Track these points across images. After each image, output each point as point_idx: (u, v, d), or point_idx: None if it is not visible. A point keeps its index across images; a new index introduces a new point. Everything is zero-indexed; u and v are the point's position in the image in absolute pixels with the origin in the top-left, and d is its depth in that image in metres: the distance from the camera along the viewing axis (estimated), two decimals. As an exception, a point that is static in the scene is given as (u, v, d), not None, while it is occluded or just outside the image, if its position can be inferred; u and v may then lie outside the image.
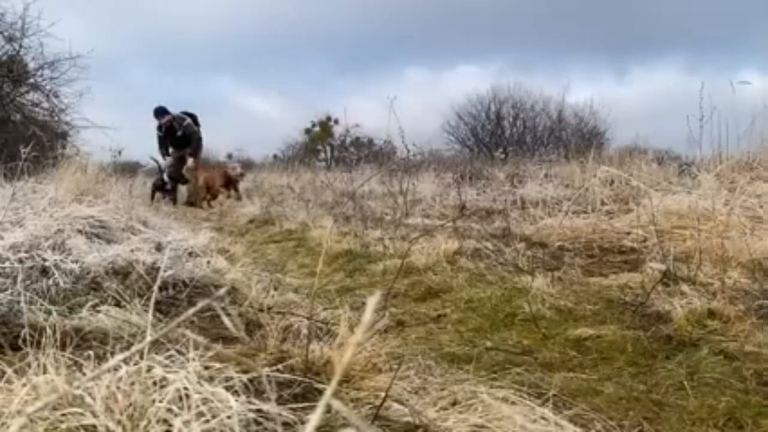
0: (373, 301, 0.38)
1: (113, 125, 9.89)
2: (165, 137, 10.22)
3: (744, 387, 1.67)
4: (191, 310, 0.64)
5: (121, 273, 2.44)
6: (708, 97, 4.06)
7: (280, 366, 1.46)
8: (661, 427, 1.47)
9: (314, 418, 0.38)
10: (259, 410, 1.08)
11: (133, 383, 1.09)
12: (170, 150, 10.32)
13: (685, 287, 2.44)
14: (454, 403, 1.31)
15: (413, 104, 32.58)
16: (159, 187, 10.20)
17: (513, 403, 1.27)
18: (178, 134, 10.11)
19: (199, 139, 10.39)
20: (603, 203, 4.71)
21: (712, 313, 2.21)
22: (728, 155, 4.72)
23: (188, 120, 10.19)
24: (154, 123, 10.25)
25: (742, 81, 4.32)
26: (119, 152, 8.65)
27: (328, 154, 27.45)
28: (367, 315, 0.36)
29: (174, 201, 10.03)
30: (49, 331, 1.33)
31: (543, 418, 1.20)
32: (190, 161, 10.09)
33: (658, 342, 2.04)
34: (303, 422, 1.13)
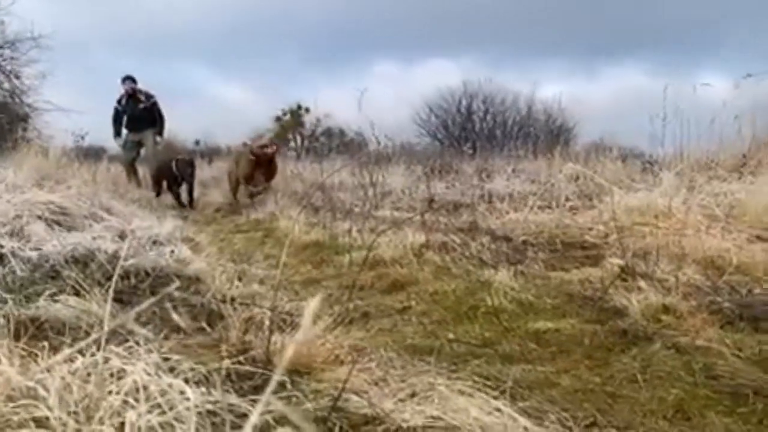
0: (313, 305, 0.38)
1: (77, 109, 9.46)
2: (123, 111, 9.13)
3: (693, 380, 1.73)
4: (147, 303, 0.64)
5: (82, 261, 2.39)
6: (671, 97, 4.17)
7: (241, 357, 1.46)
8: (613, 418, 1.52)
9: (256, 412, 0.39)
10: (217, 402, 1.08)
11: (89, 375, 1.08)
12: (123, 131, 9.24)
13: (642, 283, 2.51)
14: (412, 395, 1.33)
15: (385, 95, 32.43)
16: (174, 188, 7.92)
17: (470, 395, 1.29)
18: (141, 107, 9.06)
19: (164, 121, 9.71)
20: (567, 199, 4.79)
21: (666, 309, 2.28)
22: (688, 154, 4.86)
23: (156, 99, 9.56)
24: (117, 94, 9.38)
25: (704, 83, 4.45)
26: (83, 136, 8.29)
27: (299, 144, 27.23)
28: (307, 319, 0.37)
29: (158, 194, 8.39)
30: (2, 321, 1.30)
31: (498, 410, 1.23)
32: (159, 138, 9.53)
33: (615, 336, 2.11)
34: (261, 413, 1.14)
